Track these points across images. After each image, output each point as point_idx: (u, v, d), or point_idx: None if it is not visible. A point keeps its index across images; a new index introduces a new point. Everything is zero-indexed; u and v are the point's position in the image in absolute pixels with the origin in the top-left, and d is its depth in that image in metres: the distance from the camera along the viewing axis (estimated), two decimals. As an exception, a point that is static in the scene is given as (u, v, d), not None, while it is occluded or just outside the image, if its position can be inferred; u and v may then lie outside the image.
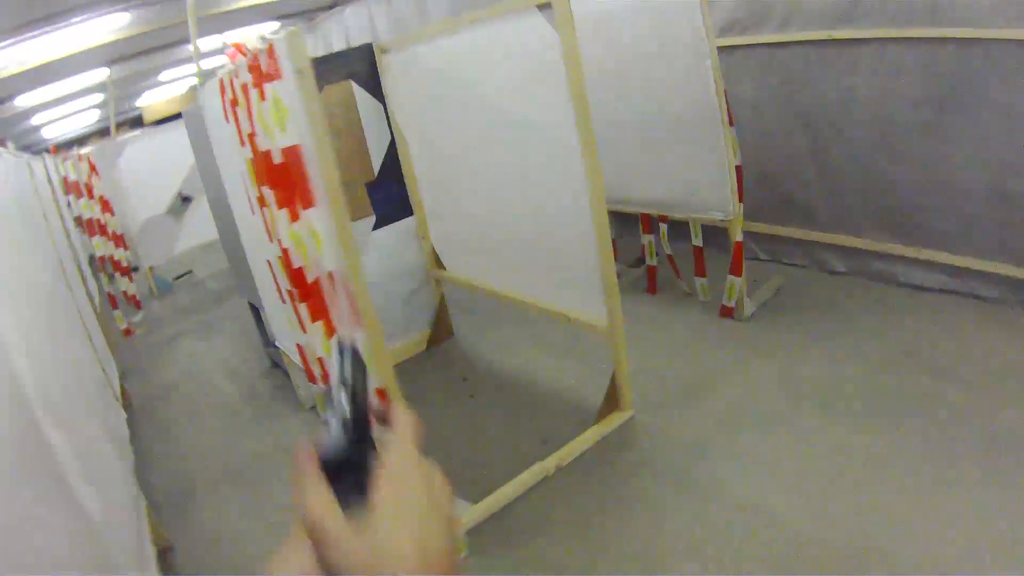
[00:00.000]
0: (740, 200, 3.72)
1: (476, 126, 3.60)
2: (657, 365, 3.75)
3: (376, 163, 4.17)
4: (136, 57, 7.83)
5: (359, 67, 4.05)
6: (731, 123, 3.63)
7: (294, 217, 2.72)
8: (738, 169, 3.68)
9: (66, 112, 12.51)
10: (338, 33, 8.93)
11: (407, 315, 4.45)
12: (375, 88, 4.09)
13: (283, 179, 2.69)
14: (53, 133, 14.53)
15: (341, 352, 0.63)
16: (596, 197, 2.88)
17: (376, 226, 4.23)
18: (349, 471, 0.56)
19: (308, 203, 2.62)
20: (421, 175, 4.21)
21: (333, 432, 0.57)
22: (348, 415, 0.58)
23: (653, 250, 4.45)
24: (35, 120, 11.81)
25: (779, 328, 3.83)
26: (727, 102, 3.57)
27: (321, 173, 2.35)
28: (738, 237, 3.76)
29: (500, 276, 3.91)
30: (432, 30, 3.63)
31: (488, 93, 3.36)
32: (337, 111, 3.98)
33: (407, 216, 4.34)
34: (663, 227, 4.30)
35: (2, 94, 6.77)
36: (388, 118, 4.16)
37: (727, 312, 3.98)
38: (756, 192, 4.30)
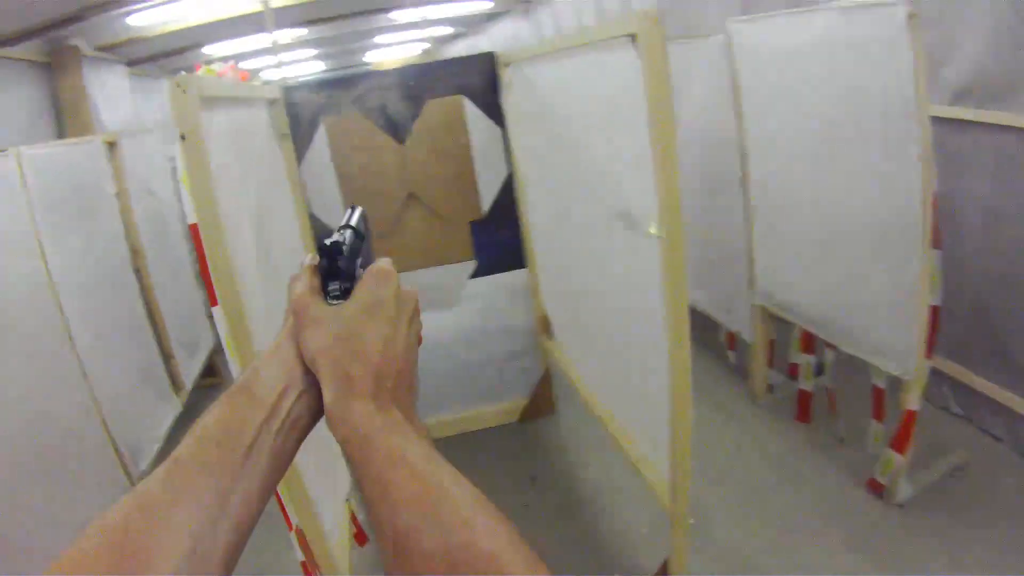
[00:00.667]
0: (928, 354, 2.49)
1: (564, 176, 2.78)
2: (748, 544, 2.71)
3: (487, 199, 3.45)
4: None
5: (475, 80, 3.30)
6: (936, 245, 2.40)
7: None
8: (933, 311, 2.45)
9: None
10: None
11: (502, 379, 3.71)
12: (493, 109, 3.33)
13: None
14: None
15: (352, 208, 0.80)
16: (675, 309, 1.91)
17: (476, 274, 3.52)
18: (338, 278, 0.69)
19: (212, 300, 2.02)
20: (535, 223, 3.41)
21: (333, 236, 0.71)
22: (348, 241, 0.72)
23: (810, 372, 3.27)
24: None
25: (941, 531, 2.59)
26: (935, 211, 2.34)
27: (211, 260, 1.72)
28: (913, 405, 2.55)
29: (579, 360, 3.11)
30: (546, 47, 2.79)
31: (574, 138, 2.51)
32: (440, 132, 3.30)
33: (517, 268, 3.58)
34: (830, 355, 3.13)
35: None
36: (508, 147, 3.40)
37: (875, 487, 2.78)
38: (968, 324, 2.99)
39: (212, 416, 0.64)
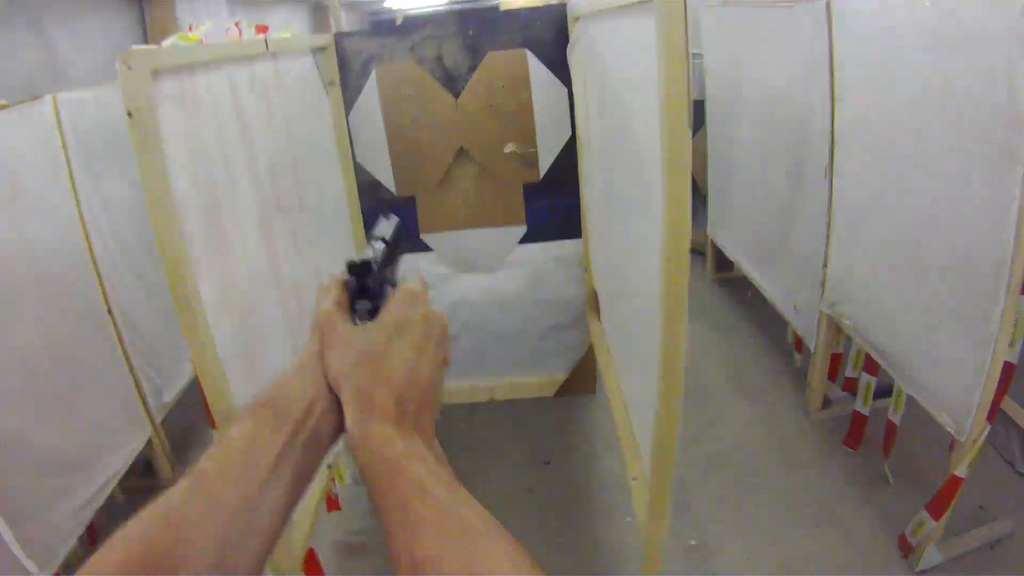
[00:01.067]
0: (990, 418, 2.16)
1: (610, 145, 2.47)
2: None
3: (545, 162, 3.18)
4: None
5: (543, 33, 3.00)
6: (1024, 291, 2.04)
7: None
8: (1007, 369, 2.12)
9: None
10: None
11: (542, 351, 3.49)
12: (559, 66, 3.04)
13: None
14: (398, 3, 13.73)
15: (387, 217, 0.78)
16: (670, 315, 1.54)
17: (526, 240, 3.29)
18: (367, 297, 0.69)
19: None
20: (590, 192, 3.13)
21: (363, 253, 0.71)
22: (380, 257, 0.71)
23: (870, 395, 2.93)
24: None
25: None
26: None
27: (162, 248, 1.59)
28: (960, 472, 2.24)
29: (611, 343, 2.91)
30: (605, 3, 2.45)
31: (620, 105, 2.18)
32: (499, 86, 3.05)
33: (572, 237, 3.32)
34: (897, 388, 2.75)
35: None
36: (572, 108, 3.11)
37: (904, 545, 2.48)
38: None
39: (236, 430, 0.64)
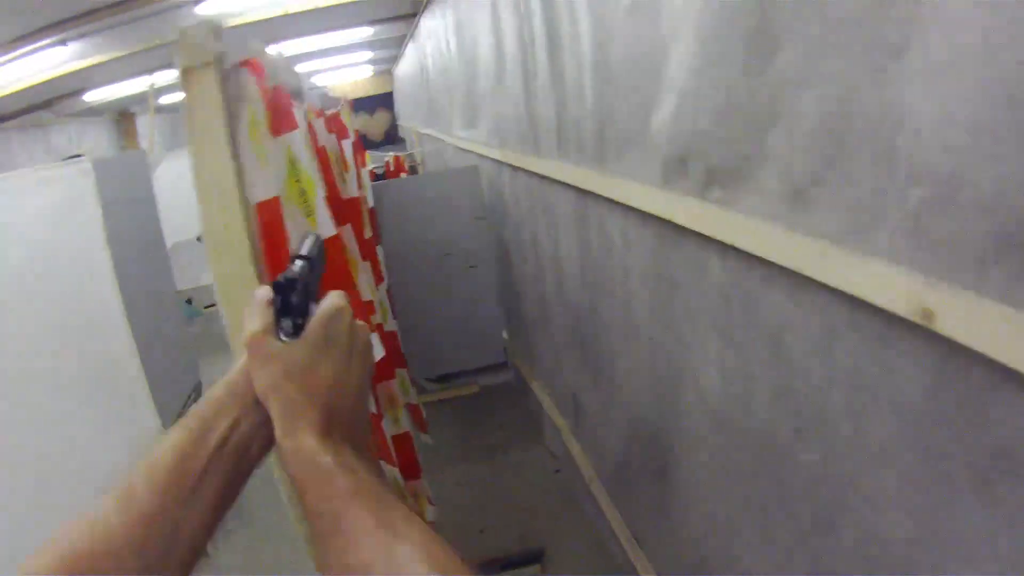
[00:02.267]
0: None
1: None
2: None
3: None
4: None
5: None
6: None
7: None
8: None
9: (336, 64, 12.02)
10: None
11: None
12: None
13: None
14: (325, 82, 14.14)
15: (307, 235, 0.80)
16: None
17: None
18: (291, 314, 0.70)
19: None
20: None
21: (287, 272, 0.71)
22: (302, 274, 0.72)
23: None
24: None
25: None
26: None
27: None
28: None
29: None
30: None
31: None
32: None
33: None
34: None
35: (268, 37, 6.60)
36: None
37: None
38: None
39: (166, 443, 0.65)
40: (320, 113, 2.09)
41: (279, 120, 1.40)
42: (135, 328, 3.14)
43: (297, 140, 1.48)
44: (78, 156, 3.62)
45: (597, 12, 1.96)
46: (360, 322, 0.76)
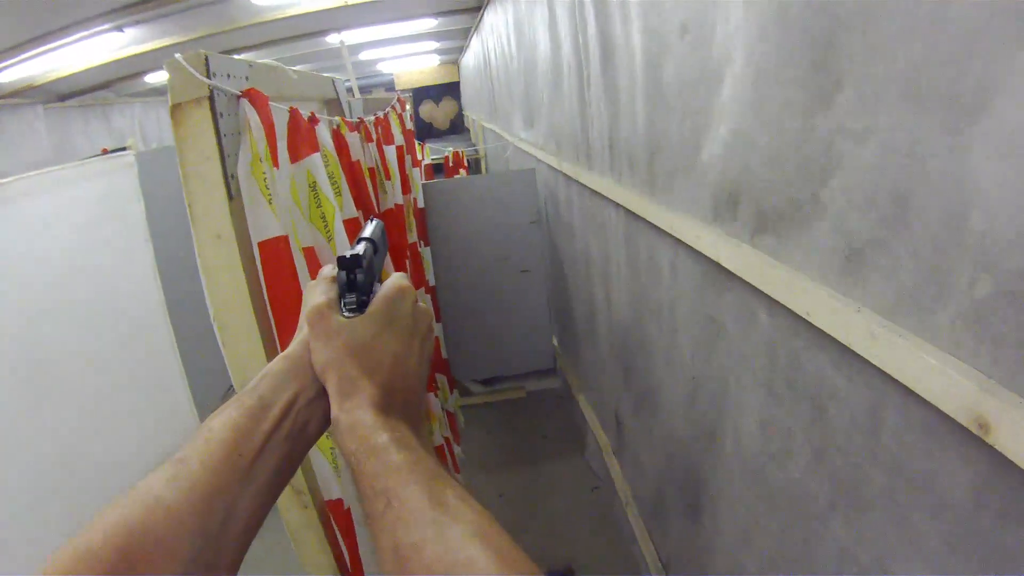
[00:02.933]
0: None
1: None
2: None
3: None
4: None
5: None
6: None
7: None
8: None
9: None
10: None
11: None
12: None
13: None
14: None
15: (370, 220, 0.81)
16: None
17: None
18: (355, 291, 0.70)
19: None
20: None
21: (352, 249, 0.72)
22: (365, 253, 0.72)
23: None
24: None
25: None
26: None
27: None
28: None
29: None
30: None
31: None
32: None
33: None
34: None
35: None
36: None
37: None
38: None
39: (220, 419, 0.63)
40: (355, 126, 2.01)
41: (297, 145, 1.32)
42: (176, 322, 3.13)
43: (317, 163, 1.40)
44: (124, 149, 3.62)
45: (651, 26, 1.84)
46: (423, 305, 0.75)
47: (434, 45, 11.12)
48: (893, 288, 0.98)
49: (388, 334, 0.68)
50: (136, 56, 5.84)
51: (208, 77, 1.13)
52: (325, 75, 2.24)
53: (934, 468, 0.94)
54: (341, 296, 0.70)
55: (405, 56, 12.58)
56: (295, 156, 1.32)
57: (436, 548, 0.51)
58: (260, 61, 1.38)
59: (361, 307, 0.69)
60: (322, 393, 0.67)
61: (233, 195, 1.16)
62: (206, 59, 1.12)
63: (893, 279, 0.98)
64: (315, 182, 1.40)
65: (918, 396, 0.92)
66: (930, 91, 0.86)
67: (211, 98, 1.13)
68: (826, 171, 1.11)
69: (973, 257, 0.82)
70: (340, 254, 0.71)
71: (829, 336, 1.13)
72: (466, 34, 9.30)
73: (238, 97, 1.19)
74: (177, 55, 1.13)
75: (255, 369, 0.93)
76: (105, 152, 4.59)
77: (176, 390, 3.18)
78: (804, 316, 1.19)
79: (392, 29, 7.98)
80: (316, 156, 1.39)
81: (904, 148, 0.92)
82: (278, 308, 1.23)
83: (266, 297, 1.23)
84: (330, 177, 1.48)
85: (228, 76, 1.21)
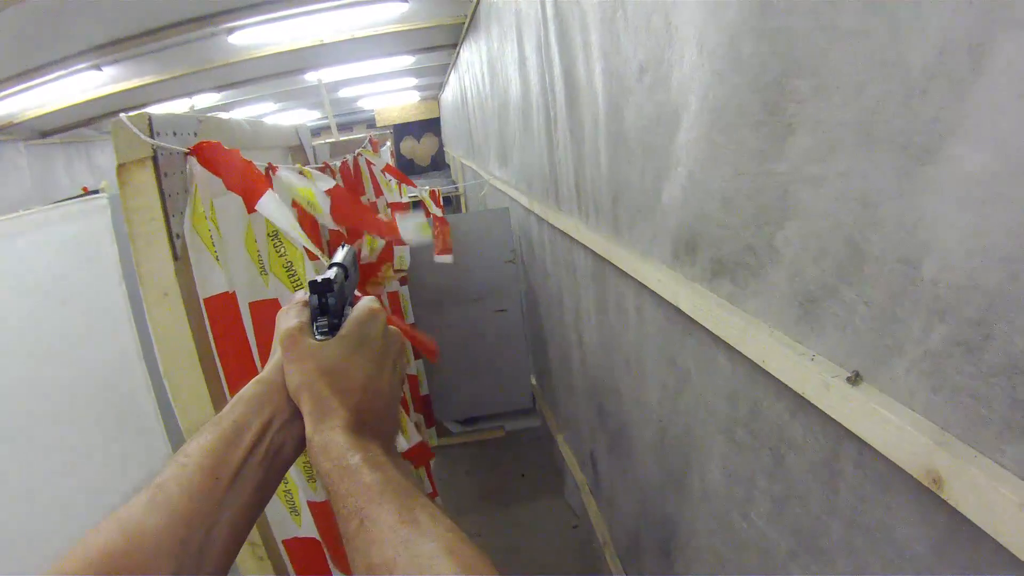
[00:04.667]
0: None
1: None
2: None
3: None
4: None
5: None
6: None
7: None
8: None
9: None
10: None
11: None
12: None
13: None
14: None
15: (342, 246, 0.82)
16: None
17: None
18: (327, 314, 0.71)
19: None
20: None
21: (324, 274, 0.73)
22: (336, 278, 0.73)
23: None
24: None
25: None
26: None
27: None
28: None
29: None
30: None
31: None
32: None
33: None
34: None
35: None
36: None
37: None
38: None
39: (196, 444, 0.63)
40: (322, 170, 1.98)
41: (252, 196, 1.30)
42: (150, 364, 3.08)
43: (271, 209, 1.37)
44: (98, 192, 3.60)
45: (611, 67, 1.84)
46: (393, 327, 0.76)
47: (414, 81, 11.14)
48: (848, 337, 0.96)
49: (360, 356, 0.69)
50: (115, 94, 5.83)
51: (151, 136, 1.12)
52: (286, 125, 2.22)
53: (892, 521, 0.92)
54: (313, 320, 0.72)
55: (385, 93, 12.61)
56: (251, 208, 1.30)
57: (407, 566, 0.52)
58: (210, 115, 1.36)
59: (333, 330, 0.71)
60: (297, 415, 0.68)
61: (179, 255, 1.15)
62: (149, 119, 1.11)
63: (848, 328, 0.96)
64: (276, 230, 1.38)
65: (873, 448, 0.89)
66: (883, 135, 0.84)
67: (155, 158, 1.12)
68: (781, 217, 1.09)
69: (927, 305, 0.80)
70: (311, 279, 0.72)
71: (785, 384, 1.11)
72: (445, 70, 9.35)
73: (186, 155, 1.18)
74: (122, 115, 1.13)
75: (205, 423, 0.93)
76: (85, 191, 4.57)
77: (151, 431, 3.12)
78: (760, 364, 1.17)
79: (370, 66, 8.00)
80: (271, 202, 1.37)
81: (857, 194, 0.90)
82: (228, 362, 1.22)
83: (215, 352, 1.22)
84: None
85: (173, 134, 1.19)
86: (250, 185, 1.33)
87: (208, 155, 1.20)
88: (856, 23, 0.85)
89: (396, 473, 0.62)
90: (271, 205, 1.39)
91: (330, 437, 0.63)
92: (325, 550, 1.58)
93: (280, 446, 0.67)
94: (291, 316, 0.71)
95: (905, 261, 0.83)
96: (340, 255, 0.79)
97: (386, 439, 0.69)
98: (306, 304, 0.73)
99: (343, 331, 0.70)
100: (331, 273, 0.74)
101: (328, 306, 0.71)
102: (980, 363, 0.74)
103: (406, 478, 0.62)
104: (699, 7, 1.26)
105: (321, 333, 0.70)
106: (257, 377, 0.71)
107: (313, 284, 0.71)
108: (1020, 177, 0.66)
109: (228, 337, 1.21)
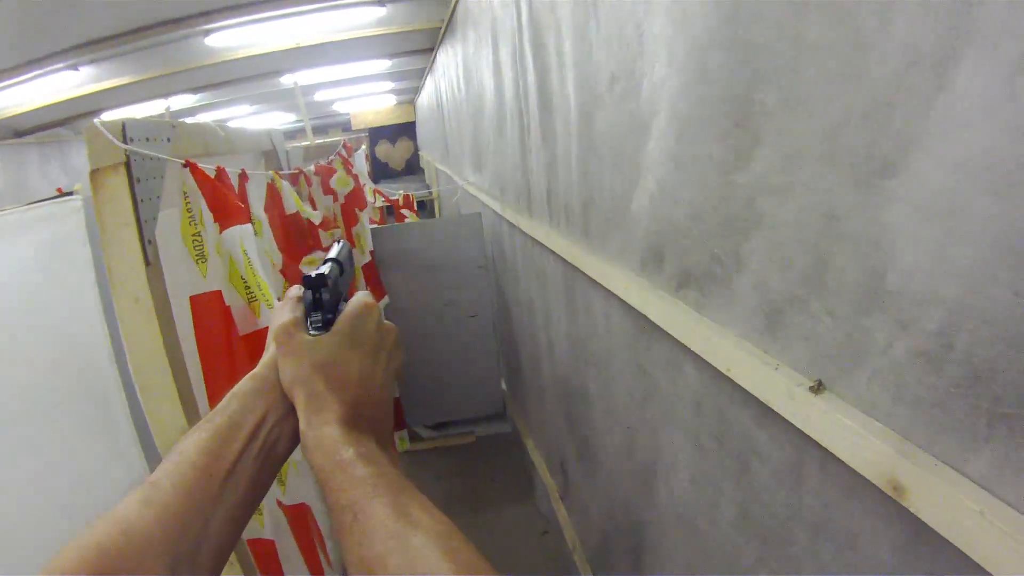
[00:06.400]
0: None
1: None
2: None
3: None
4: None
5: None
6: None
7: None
8: None
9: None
10: None
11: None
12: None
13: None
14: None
15: (337, 241, 0.82)
16: None
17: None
18: (321, 310, 0.71)
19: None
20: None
21: (318, 269, 0.73)
22: (331, 273, 0.73)
23: None
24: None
25: None
26: None
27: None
28: None
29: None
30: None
31: None
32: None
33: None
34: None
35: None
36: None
37: None
38: None
39: (191, 441, 0.63)
40: (295, 177, 1.98)
41: (225, 216, 1.30)
42: (122, 368, 3.05)
43: (248, 233, 1.38)
44: (71, 194, 3.55)
45: (583, 74, 1.84)
46: (388, 322, 0.76)
47: (390, 85, 11.13)
48: (812, 347, 0.97)
49: (354, 350, 0.70)
50: (92, 95, 5.78)
51: (125, 142, 1.12)
52: (260, 129, 2.21)
53: (856, 529, 0.93)
54: (307, 315, 0.72)
55: (361, 96, 12.60)
56: (224, 223, 1.30)
57: (400, 559, 0.52)
58: (187, 121, 1.36)
59: (327, 325, 0.71)
60: (291, 411, 0.68)
61: (150, 261, 1.15)
62: (123, 125, 1.11)
63: (812, 337, 0.96)
64: (246, 250, 1.38)
65: (836, 456, 0.90)
66: (847, 148, 0.85)
67: (127, 164, 1.11)
68: (746, 227, 1.10)
69: (889, 317, 0.81)
70: (306, 274, 0.72)
71: (750, 393, 1.11)
72: (421, 74, 9.34)
73: (183, 166, 1.19)
74: (95, 120, 1.13)
75: (175, 426, 0.92)
76: (60, 192, 4.51)
77: (122, 433, 3.08)
78: (726, 372, 1.18)
79: (347, 69, 7.98)
80: (247, 227, 1.37)
81: (822, 206, 0.91)
82: (209, 358, 1.22)
83: (196, 348, 1.23)
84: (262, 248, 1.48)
85: (147, 140, 1.19)
86: (226, 204, 1.33)
87: (200, 176, 1.21)
88: (822, 36, 0.86)
89: (389, 467, 0.62)
90: (248, 231, 1.39)
91: (324, 431, 0.64)
92: (278, 551, 1.59)
93: (275, 442, 0.67)
94: (286, 311, 0.72)
95: (868, 272, 0.84)
96: (335, 250, 0.80)
97: (380, 434, 0.69)
98: (301, 299, 0.73)
99: (337, 326, 0.71)
100: (325, 268, 0.74)
101: (322, 301, 0.72)
102: (941, 373, 0.74)
103: (400, 472, 0.62)
104: (669, 18, 1.27)
105: (315, 328, 0.71)
106: (251, 373, 0.71)
107: (307, 279, 0.72)
108: (980, 192, 0.67)
109: (211, 333, 1.21)
